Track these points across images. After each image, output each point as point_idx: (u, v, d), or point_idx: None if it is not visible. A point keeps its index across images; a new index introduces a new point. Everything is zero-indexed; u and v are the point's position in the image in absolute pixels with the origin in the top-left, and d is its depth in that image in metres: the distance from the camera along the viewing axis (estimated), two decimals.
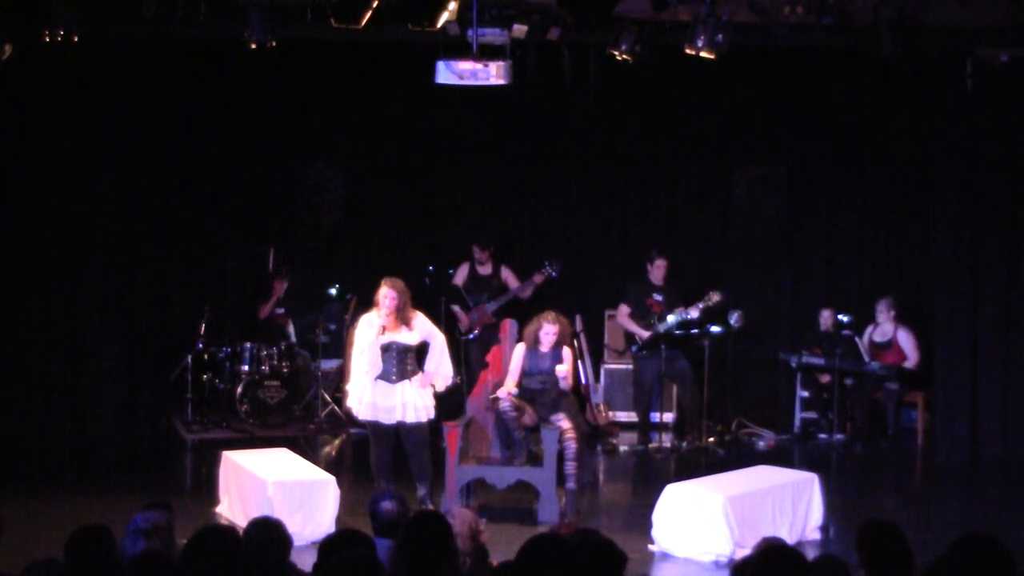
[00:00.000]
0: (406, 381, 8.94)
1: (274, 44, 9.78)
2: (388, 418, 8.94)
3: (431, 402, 9.05)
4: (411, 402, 8.92)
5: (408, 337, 8.96)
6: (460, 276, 12.20)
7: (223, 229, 12.87)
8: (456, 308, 12.07)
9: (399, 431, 8.99)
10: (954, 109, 11.18)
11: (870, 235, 12.77)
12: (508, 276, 12.20)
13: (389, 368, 8.91)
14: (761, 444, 11.89)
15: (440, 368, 9.08)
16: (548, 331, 9.24)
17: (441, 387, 9.16)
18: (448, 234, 12.84)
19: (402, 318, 8.91)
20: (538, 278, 11.92)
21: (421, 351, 9.08)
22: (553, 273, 11.89)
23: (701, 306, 11.28)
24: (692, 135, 12.98)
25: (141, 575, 4.46)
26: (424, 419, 8.99)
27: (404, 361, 8.95)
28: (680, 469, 10.72)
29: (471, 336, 12.02)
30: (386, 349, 8.90)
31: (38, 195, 11.60)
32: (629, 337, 11.78)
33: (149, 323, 12.16)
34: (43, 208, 11.61)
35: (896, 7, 9.57)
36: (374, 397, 8.91)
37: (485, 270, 12.21)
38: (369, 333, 8.89)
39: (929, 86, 11.51)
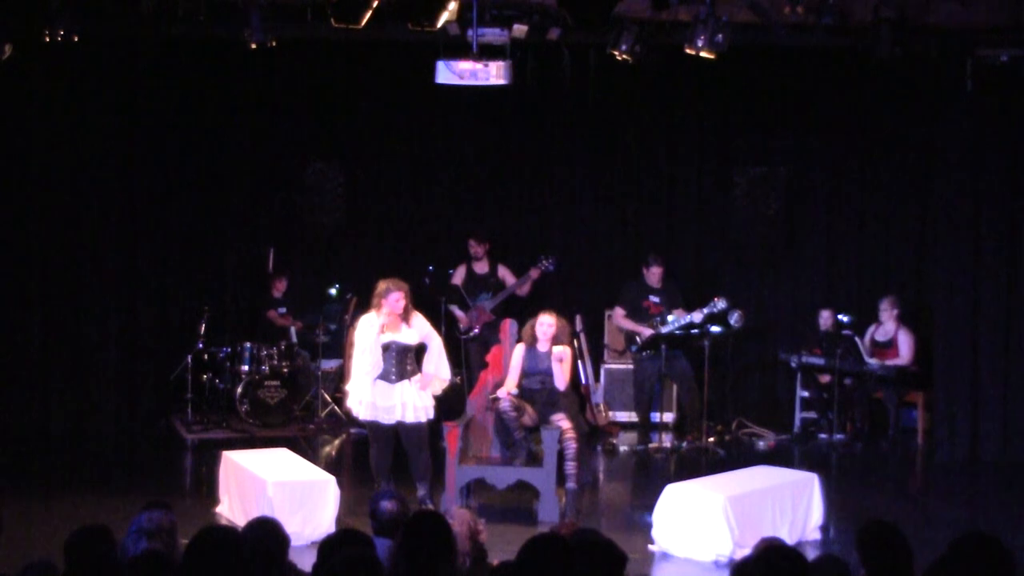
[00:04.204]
0: (405, 381, 8.94)
1: (274, 44, 9.80)
2: (387, 418, 8.94)
3: (431, 402, 9.05)
4: (410, 402, 8.92)
5: (408, 336, 8.97)
6: (458, 276, 12.19)
7: (223, 229, 12.88)
8: (455, 308, 12.05)
9: (399, 431, 9.00)
10: (954, 109, 11.18)
11: (870, 235, 12.76)
12: (505, 274, 12.20)
13: (389, 368, 8.92)
14: (761, 444, 11.88)
15: (439, 370, 9.09)
16: (544, 323, 9.24)
17: (439, 390, 9.17)
18: (448, 234, 12.84)
19: (403, 317, 8.93)
20: (535, 273, 11.92)
21: (419, 351, 9.08)
22: (550, 267, 11.88)
23: (705, 311, 11.25)
24: (692, 135, 12.98)
25: (141, 575, 4.46)
26: (424, 419, 8.99)
27: (404, 361, 8.95)
28: (680, 469, 10.72)
29: (471, 335, 12.00)
30: (386, 349, 8.90)
31: (38, 195, 11.61)
32: (629, 337, 11.78)
33: (149, 323, 12.17)
34: (43, 208, 11.61)
35: (896, 7, 9.59)
36: (373, 397, 8.91)
37: (482, 267, 12.20)
38: (371, 333, 8.89)
39: (929, 86, 11.51)
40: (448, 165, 13.07)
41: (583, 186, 13.08)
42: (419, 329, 9.04)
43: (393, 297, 8.84)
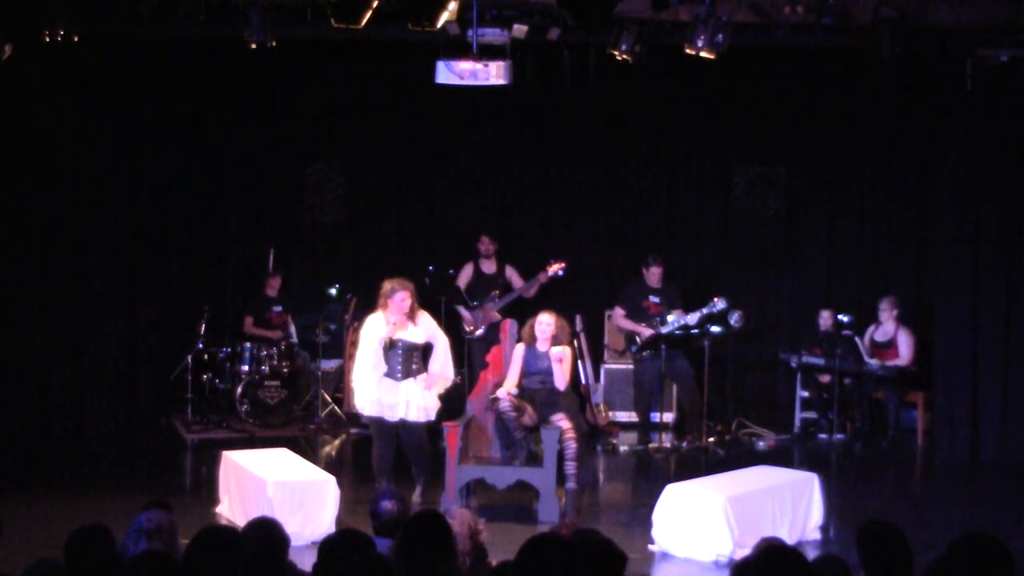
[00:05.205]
0: (411, 379, 8.96)
1: (274, 44, 9.80)
2: (391, 415, 8.99)
3: (434, 403, 9.10)
4: (414, 401, 8.97)
5: (414, 335, 9.00)
6: (464, 276, 12.18)
7: (223, 229, 12.88)
8: (461, 308, 12.04)
9: (400, 428, 9.02)
10: (954, 109, 11.18)
11: (870, 235, 12.77)
12: (512, 275, 12.19)
13: (394, 366, 8.95)
14: (761, 444, 11.88)
15: (444, 370, 9.12)
16: (543, 321, 9.25)
17: (442, 390, 9.18)
18: (448, 234, 12.85)
19: (409, 316, 8.96)
20: (543, 276, 11.91)
21: (425, 350, 9.11)
22: (560, 272, 11.87)
23: (705, 311, 11.24)
24: (692, 135, 12.98)
25: (141, 575, 4.46)
26: (424, 419, 9.02)
27: (409, 359, 8.99)
28: (680, 469, 10.72)
29: (477, 334, 11.97)
30: (392, 347, 8.92)
31: (38, 195, 11.59)
32: (629, 337, 11.78)
33: (149, 323, 12.17)
34: (43, 208, 11.60)
35: (896, 7, 9.60)
36: (379, 394, 8.95)
37: (489, 267, 12.19)
38: (378, 333, 8.91)
39: (929, 86, 11.51)
40: (448, 165, 13.07)
41: (583, 186, 13.08)
42: (426, 328, 9.07)
43: (399, 297, 8.87)
